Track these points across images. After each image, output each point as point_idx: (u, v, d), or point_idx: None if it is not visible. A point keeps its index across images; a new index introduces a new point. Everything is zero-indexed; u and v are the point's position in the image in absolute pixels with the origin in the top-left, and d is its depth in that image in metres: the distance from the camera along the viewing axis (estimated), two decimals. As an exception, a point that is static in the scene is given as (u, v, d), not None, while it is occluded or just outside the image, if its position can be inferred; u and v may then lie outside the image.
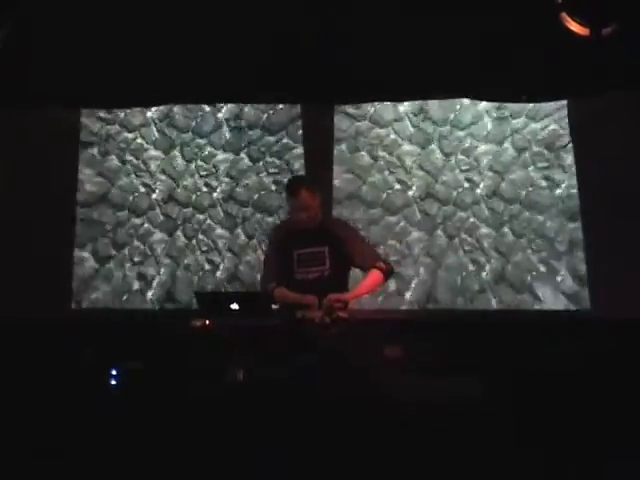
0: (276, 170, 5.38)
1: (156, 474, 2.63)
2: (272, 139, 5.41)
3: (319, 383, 2.83)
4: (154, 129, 5.52)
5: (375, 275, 3.73)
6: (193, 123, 5.50)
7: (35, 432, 2.74)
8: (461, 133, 5.24)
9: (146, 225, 5.43)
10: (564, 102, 5.01)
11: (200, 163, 5.47)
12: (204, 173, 5.45)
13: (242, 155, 5.44)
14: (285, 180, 4.82)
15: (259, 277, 4.14)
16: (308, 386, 2.82)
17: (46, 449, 2.67)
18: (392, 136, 5.31)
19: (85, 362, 3.28)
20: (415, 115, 5.29)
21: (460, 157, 5.24)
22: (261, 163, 5.41)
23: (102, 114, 5.51)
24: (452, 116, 5.25)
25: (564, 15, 3.71)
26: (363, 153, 5.33)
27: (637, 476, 2.54)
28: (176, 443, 2.66)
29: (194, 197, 5.44)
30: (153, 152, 5.51)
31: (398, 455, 2.58)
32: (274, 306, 3.77)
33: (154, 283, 5.35)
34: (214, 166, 5.45)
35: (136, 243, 5.41)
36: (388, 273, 3.78)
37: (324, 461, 2.57)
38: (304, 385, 2.82)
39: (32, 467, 2.61)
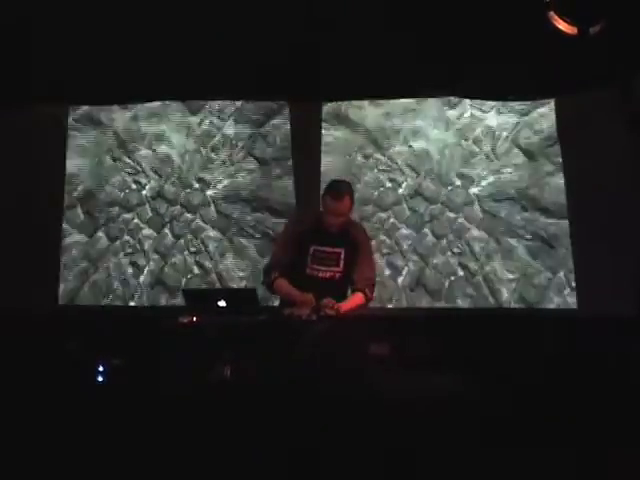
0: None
1: (142, 471, 2.63)
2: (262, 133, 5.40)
3: (307, 379, 2.84)
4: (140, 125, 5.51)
5: (360, 299, 3.77)
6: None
7: (18, 427, 2.73)
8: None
9: (135, 221, 5.41)
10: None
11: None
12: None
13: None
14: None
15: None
16: (297, 382, 2.83)
17: (30, 443, 2.66)
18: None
19: (71, 356, 3.28)
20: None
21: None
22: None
23: (90, 110, 5.48)
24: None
25: (552, 14, 3.73)
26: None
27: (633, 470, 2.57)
28: (162, 439, 2.67)
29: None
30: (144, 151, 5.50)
31: (382, 450, 2.59)
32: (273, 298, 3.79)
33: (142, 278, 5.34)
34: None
35: (126, 237, 5.39)
36: (368, 302, 3.84)
37: (310, 454, 2.58)
38: (293, 381, 2.83)
39: (17, 461, 2.60)
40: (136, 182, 5.44)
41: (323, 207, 3.84)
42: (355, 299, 3.76)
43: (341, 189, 3.79)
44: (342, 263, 3.81)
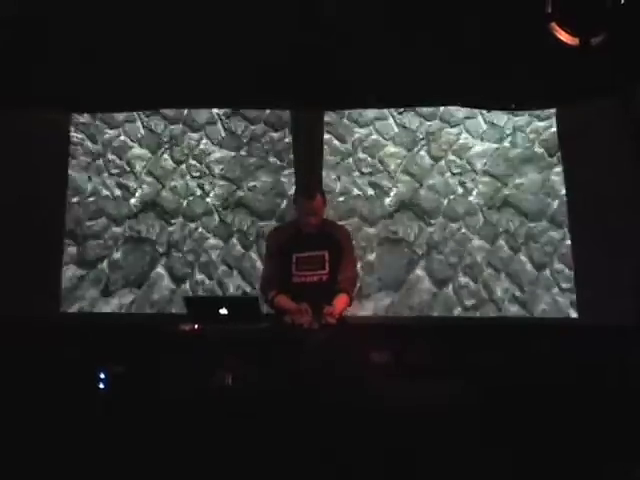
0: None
1: (143, 478, 2.63)
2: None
3: (309, 387, 2.85)
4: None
5: (346, 300, 3.81)
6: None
7: (20, 434, 2.74)
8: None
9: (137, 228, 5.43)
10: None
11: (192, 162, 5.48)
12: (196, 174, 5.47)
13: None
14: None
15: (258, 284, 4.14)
16: (298, 390, 2.83)
17: (32, 450, 2.67)
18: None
19: (72, 363, 3.27)
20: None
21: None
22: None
23: (92, 117, 5.50)
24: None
25: (554, 25, 3.73)
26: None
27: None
28: (163, 446, 2.67)
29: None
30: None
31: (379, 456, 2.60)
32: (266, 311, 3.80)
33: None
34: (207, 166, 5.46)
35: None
36: (351, 301, 3.90)
37: (310, 461, 2.58)
38: (294, 389, 2.84)
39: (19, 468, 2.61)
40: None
41: (297, 209, 3.94)
42: (342, 300, 3.78)
43: (312, 188, 3.93)
44: (327, 265, 3.85)
